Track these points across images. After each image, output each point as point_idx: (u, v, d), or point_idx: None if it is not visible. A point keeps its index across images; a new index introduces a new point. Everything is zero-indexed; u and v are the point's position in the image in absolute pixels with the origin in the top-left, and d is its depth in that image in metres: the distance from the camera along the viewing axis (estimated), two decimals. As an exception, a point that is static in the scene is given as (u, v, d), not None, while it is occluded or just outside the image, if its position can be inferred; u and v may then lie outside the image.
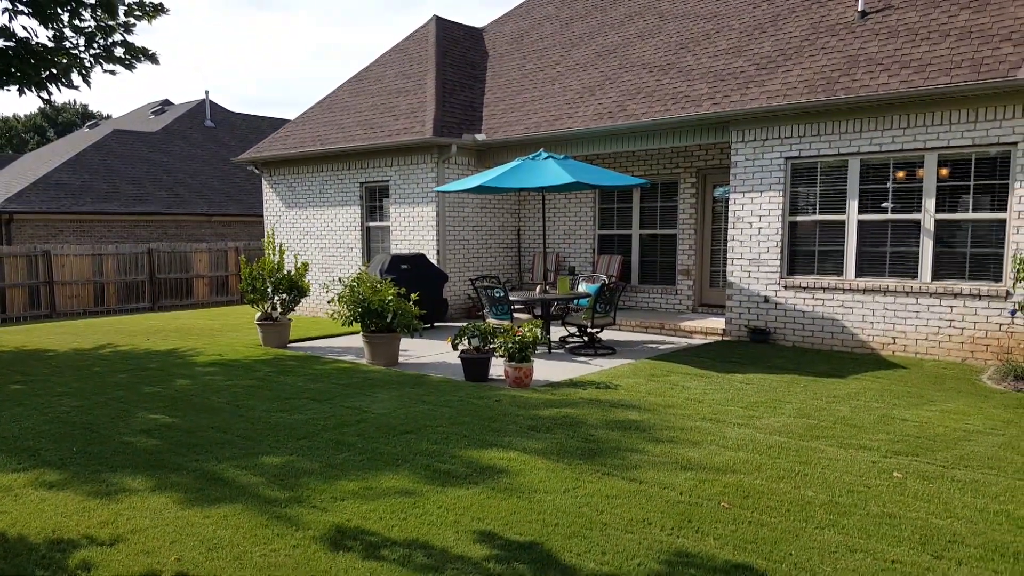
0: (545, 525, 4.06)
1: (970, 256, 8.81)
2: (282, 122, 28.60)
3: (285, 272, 10.66)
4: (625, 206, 13.34)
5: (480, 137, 13.07)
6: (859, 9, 10.31)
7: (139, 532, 4.08)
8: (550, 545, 3.81)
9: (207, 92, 27.61)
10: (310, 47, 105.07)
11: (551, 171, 9.17)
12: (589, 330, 9.91)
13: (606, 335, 11.01)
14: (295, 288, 10.61)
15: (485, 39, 16.85)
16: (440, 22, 16.21)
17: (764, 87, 10.15)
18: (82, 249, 17.09)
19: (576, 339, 10.43)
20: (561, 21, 16.02)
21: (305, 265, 10.82)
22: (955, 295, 8.79)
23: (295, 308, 11.02)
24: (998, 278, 8.61)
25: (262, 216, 17.04)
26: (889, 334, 9.29)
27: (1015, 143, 8.31)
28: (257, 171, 16.34)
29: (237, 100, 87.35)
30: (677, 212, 12.64)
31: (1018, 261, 7.98)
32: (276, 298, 10.69)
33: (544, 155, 9.70)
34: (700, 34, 12.48)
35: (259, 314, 10.75)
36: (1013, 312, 8.33)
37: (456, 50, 15.68)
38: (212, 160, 24.72)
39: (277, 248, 10.81)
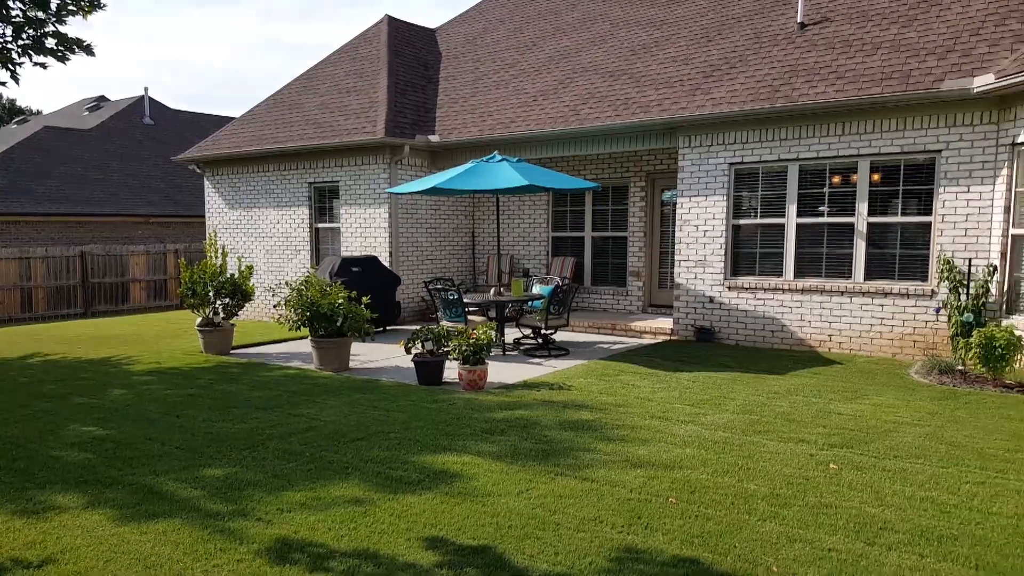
0: (498, 528, 4.15)
1: (899, 257, 9.26)
2: (226, 120, 27.96)
3: (228, 275, 10.39)
4: (578, 209, 13.55)
5: (433, 138, 13.10)
6: (798, 21, 10.72)
7: (70, 552, 3.93)
8: (503, 548, 3.90)
9: (146, 88, 26.85)
10: (255, 42, 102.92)
11: (505, 174, 9.27)
12: (543, 331, 10.06)
13: (560, 336, 11.19)
14: (239, 292, 10.37)
15: (438, 40, 16.86)
16: (392, 22, 16.15)
17: (710, 94, 10.47)
18: (8, 252, 16.36)
19: (530, 341, 10.57)
20: (515, 24, 16.15)
21: (249, 268, 10.62)
22: (886, 294, 9.23)
23: (239, 313, 10.75)
24: (924, 278, 9.08)
25: (204, 217, 16.64)
26: (825, 332, 9.70)
27: (939, 151, 8.78)
28: (199, 170, 15.99)
29: (178, 97, 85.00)
30: (628, 215, 12.91)
31: (942, 262, 8.44)
32: (218, 302, 10.39)
33: (498, 157, 9.80)
34: (650, 41, 12.77)
35: (200, 319, 10.41)
36: (938, 310, 8.81)
37: (408, 50, 15.65)
38: (151, 159, 24.01)
39: (220, 250, 10.56)
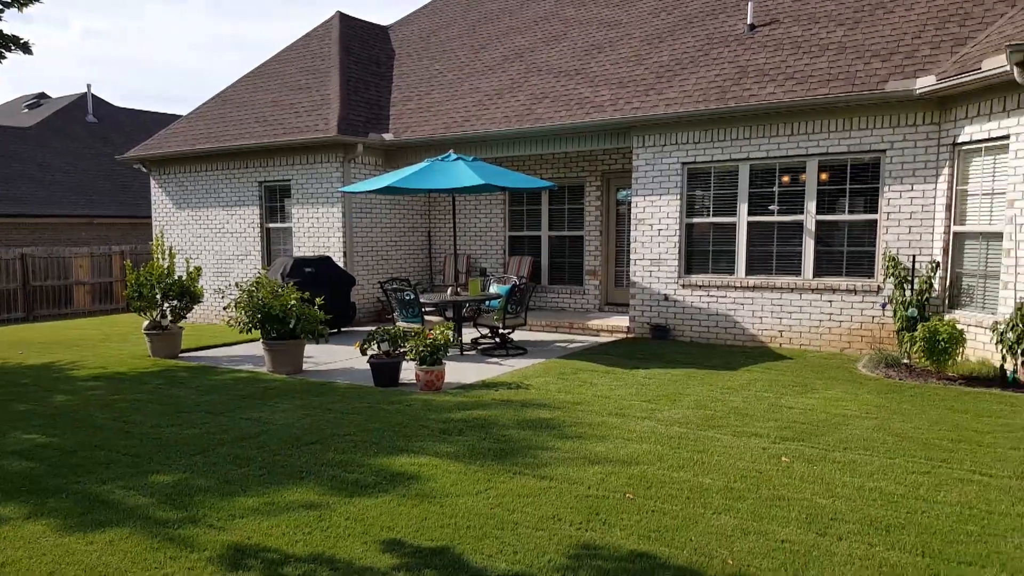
0: (456, 529, 4.12)
1: (847, 255, 9.51)
2: (173, 118, 27.27)
3: (176, 277, 10.16)
4: (534, 208, 13.57)
5: (388, 137, 12.97)
6: (748, 23, 10.92)
7: (12, 564, 3.78)
8: (461, 548, 3.87)
9: (89, 86, 26.00)
10: (203, 39, 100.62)
11: (461, 173, 9.23)
12: (501, 331, 10.04)
13: (518, 335, 11.19)
14: (187, 294, 10.14)
15: (391, 37, 16.70)
16: (344, 18, 15.94)
17: (663, 95, 10.59)
18: (-56, 255, 15.74)
19: (488, 340, 10.54)
20: (468, 23, 16.10)
21: (198, 269, 10.40)
22: (834, 291, 9.46)
23: (187, 316, 10.51)
24: (871, 275, 9.33)
25: (150, 218, 16.20)
26: (776, 328, 9.90)
27: (884, 151, 9.04)
28: (145, 170, 15.55)
29: (122, 94, 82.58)
30: (584, 214, 12.98)
31: (888, 259, 8.69)
32: (166, 305, 10.15)
33: (453, 156, 9.74)
34: (604, 41, 12.86)
35: (147, 323, 10.16)
36: (884, 305, 9.07)
37: (361, 47, 15.46)
38: (95, 158, 23.26)
39: (167, 251, 10.33)
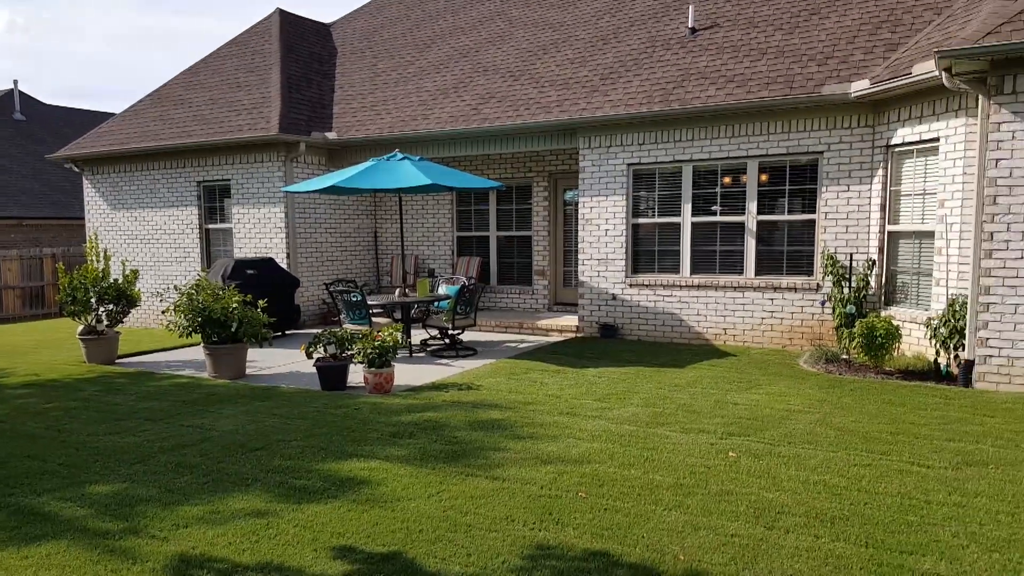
0: (409, 533, 4.06)
1: (787, 254, 9.77)
2: (106, 116, 26.26)
3: (112, 280, 9.85)
4: (482, 208, 13.53)
5: (331, 136, 12.74)
6: (690, 26, 11.11)
7: None
8: (414, 552, 3.82)
9: (15, 82, 24.81)
10: (136, 34, 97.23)
11: (407, 172, 9.12)
12: (450, 332, 9.97)
13: (467, 336, 11.13)
14: (123, 298, 9.84)
15: (333, 35, 16.43)
16: (284, 15, 15.61)
17: (608, 96, 10.69)
18: None
19: (437, 341, 10.45)
20: (412, 21, 15.96)
21: (135, 272, 10.07)
22: (775, 289, 9.71)
23: (124, 320, 10.21)
24: (810, 273, 9.61)
25: (84, 219, 15.58)
26: (721, 326, 10.10)
27: (822, 152, 9.33)
28: (77, 169, 14.94)
29: (51, 91, 79.14)
30: (532, 215, 13.00)
31: (826, 257, 8.96)
32: (101, 309, 9.83)
33: (399, 156, 9.63)
34: (548, 42, 12.91)
35: (82, 328, 9.82)
36: (823, 303, 9.35)
37: (302, 45, 15.17)
38: (23, 157, 22.19)
39: (102, 254, 10.01)
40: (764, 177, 9.80)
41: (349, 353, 7.75)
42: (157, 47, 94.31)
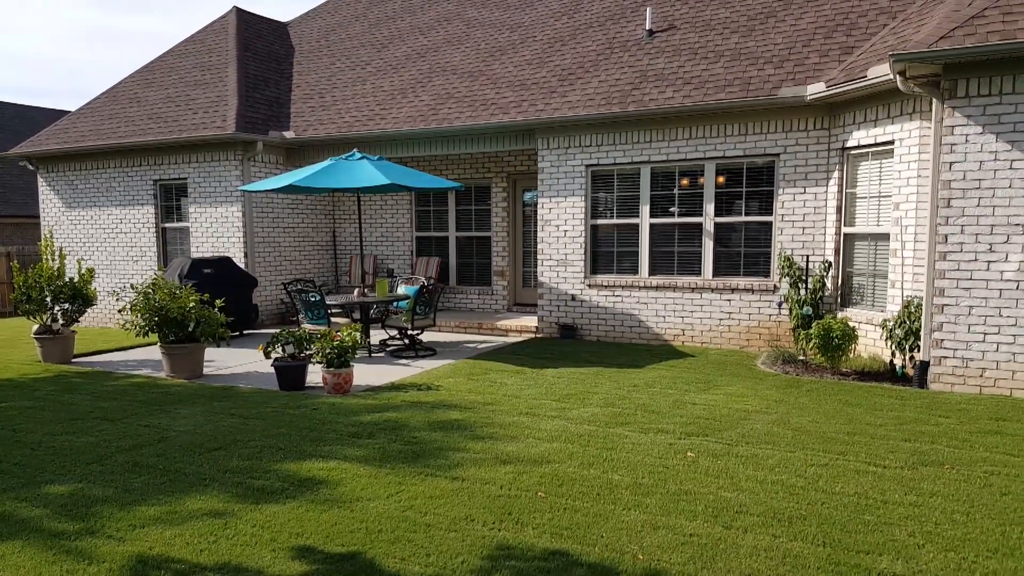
0: (368, 533, 4.02)
1: (744, 255, 9.94)
2: (60, 114, 25.52)
3: (67, 279, 9.77)
4: (442, 208, 13.47)
5: (288, 135, 12.57)
6: (647, 28, 11.23)
7: None
8: (373, 553, 3.78)
9: (-41, 74, 23.89)
10: (89, 31, 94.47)
11: (366, 172, 9.04)
12: (410, 332, 9.90)
13: (427, 336, 11.06)
14: (79, 297, 9.73)
15: (291, 34, 16.21)
16: (241, 14, 15.36)
17: (566, 98, 10.74)
18: None
19: (397, 342, 10.38)
20: (370, 21, 15.83)
21: (90, 271, 9.89)
22: (733, 290, 9.87)
23: (80, 319, 10.09)
24: (767, 274, 9.79)
25: (39, 217, 15.19)
26: (679, 327, 10.23)
27: (778, 154, 9.51)
28: (32, 167, 14.52)
29: (2, 89, 76.37)
30: (491, 215, 12.99)
31: (783, 259, 9.13)
32: (57, 308, 9.75)
33: (358, 155, 9.54)
34: (506, 43, 12.92)
35: (37, 327, 9.73)
36: (780, 304, 9.52)
37: (259, 43, 14.93)
38: (-29, 154, 21.42)
39: (57, 252, 9.92)
40: (721, 179, 9.95)
41: (307, 353, 7.66)
42: (117, 46, 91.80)
